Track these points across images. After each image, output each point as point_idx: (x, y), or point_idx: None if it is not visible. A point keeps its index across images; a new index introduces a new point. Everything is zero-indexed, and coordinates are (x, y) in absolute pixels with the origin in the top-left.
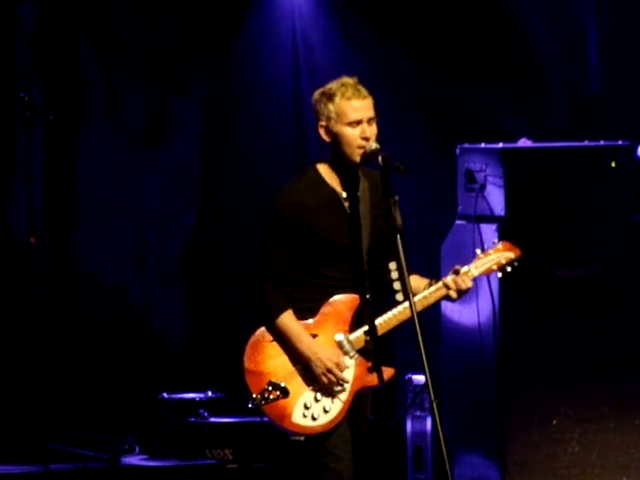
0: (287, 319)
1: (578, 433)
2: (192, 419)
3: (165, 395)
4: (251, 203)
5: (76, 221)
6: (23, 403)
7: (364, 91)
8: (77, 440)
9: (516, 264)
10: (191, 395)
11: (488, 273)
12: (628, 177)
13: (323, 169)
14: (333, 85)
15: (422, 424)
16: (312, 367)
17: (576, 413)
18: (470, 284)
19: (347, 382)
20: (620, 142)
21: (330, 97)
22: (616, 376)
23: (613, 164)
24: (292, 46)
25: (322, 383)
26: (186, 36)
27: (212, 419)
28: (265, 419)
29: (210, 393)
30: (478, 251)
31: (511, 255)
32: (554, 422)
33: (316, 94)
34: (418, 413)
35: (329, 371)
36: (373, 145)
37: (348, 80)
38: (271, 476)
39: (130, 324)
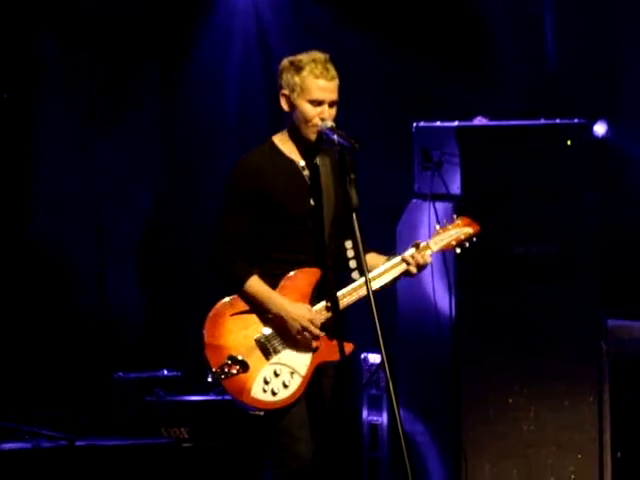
0: (255, 283)
1: (533, 411)
2: (148, 398)
3: (121, 374)
4: (208, 186)
5: (31, 202)
6: None
7: (333, 71)
8: (32, 419)
9: (474, 240)
10: (147, 374)
11: (447, 249)
12: (584, 155)
13: (279, 140)
14: (304, 57)
15: (378, 403)
16: (287, 327)
17: (531, 391)
18: (429, 259)
19: (322, 336)
20: (576, 120)
21: (298, 69)
22: (571, 354)
23: (569, 142)
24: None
25: (299, 341)
26: (148, 12)
27: (168, 398)
28: (221, 398)
29: (166, 372)
30: (437, 226)
31: (470, 230)
32: (509, 400)
33: (285, 62)
34: (374, 392)
35: (304, 329)
36: (328, 123)
37: (319, 56)
38: (226, 455)
39: (86, 304)
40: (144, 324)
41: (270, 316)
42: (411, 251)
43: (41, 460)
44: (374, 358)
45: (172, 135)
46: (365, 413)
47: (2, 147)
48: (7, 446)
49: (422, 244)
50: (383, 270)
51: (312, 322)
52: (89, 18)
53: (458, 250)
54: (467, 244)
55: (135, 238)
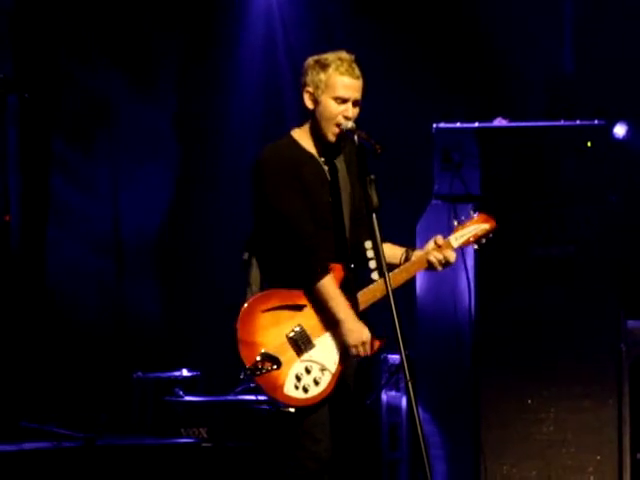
0: (329, 282)
1: (553, 412)
2: (167, 398)
3: (140, 374)
4: (225, 186)
5: (52, 202)
6: None
7: (357, 71)
8: (52, 419)
9: (491, 236)
10: (166, 374)
11: (466, 245)
12: (604, 157)
13: (298, 135)
14: (330, 56)
15: (397, 403)
16: (346, 337)
17: (551, 392)
18: (453, 255)
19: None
20: (596, 122)
21: (324, 67)
22: (590, 355)
23: (589, 144)
24: (268, 28)
25: (329, 338)
26: (160, 19)
27: (187, 398)
28: (240, 398)
29: (185, 372)
30: (455, 223)
31: (486, 226)
32: (529, 401)
33: (310, 60)
34: (393, 393)
35: (355, 347)
36: (349, 124)
37: (345, 55)
38: (246, 455)
39: (105, 303)
40: (163, 324)
41: (304, 311)
42: (432, 248)
43: (61, 460)
44: (393, 359)
45: (189, 135)
46: (384, 414)
47: (24, 146)
48: (28, 446)
49: (443, 241)
50: (404, 269)
51: (364, 343)
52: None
53: (476, 246)
54: (484, 240)
55: (153, 238)
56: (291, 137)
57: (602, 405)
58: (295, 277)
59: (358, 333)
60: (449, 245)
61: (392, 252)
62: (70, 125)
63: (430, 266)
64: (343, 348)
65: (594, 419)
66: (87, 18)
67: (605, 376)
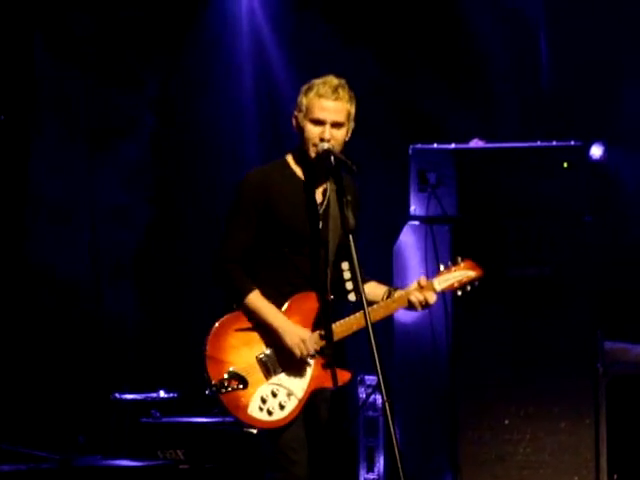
0: (255, 297)
1: (529, 433)
2: (144, 419)
3: (117, 395)
4: (204, 201)
5: (28, 217)
6: None
7: (342, 94)
8: (28, 440)
9: (476, 284)
10: (143, 395)
11: (450, 289)
12: (580, 177)
13: (292, 159)
14: (317, 80)
15: (374, 424)
16: (284, 340)
17: (527, 413)
18: (434, 298)
19: (320, 362)
20: (572, 142)
21: (307, 91)
22: (567, 376)
23: (565, 164)
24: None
25: (298, 364)
26: (139, 32)
27: (164, 419)
28: (217, 420)
29: (162, 393)
30: (441, 267)
31: (472, 274)
32: (506, 422)
33: (304, 86)
34: (370, 413)
35: (297, 345)
36: (325, 145)
37: (332, 79)
38: (223, 477)
39: (82, 324)
40: (141, 345)
41: (272, 335)
42: (415, 288)
43: None
44: (370, 380)
45: (168, 149)
46: (361, 435)
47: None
48: (4, 467)
49: (426, 283)
50: (384, 304)
51: (303, 340)
52: (84, 36)
53: (459, 292)
54: (468, 287)
55: (132, 257)
56: (285, 161)
57: (579, 425)
58: (226, 297)
59: (294, 333)
60: (431, 287)
61: (375, 291)
62: (48, 141)
63: (410, 305)
64: (313, 374)
65: (571, 440)
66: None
67: (582, 397)
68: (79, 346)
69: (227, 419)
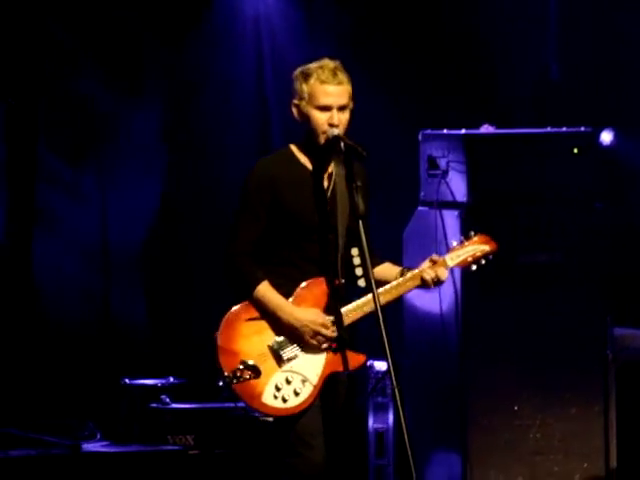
0: (264, 289)
1: (539, 419)
2: (154, 405)
3: (127, 381)
4: (212, 195)
5: (38, 210)
6: None
7: (342, 76)
8: (38, 426)
9: (490, 257)
10: (153, 381)
11: (463, 265)
12: (590, 163)
13: (296, 148)
14: (312, 65)
15: (384, 410)
16: (299, 333)
17: (537, 399)
18: (446, 275)
19: (334, 341)
20: (582, 129)
21: (306, 77)
22: (577, 362)
23: (575, 150)
24: (254, 36)
25: (313, 346)
26: (144, 29)
27: (174, 405)
28: (227, 405)
29: (172, 379)
30: (454, 242)
31: (486, 248)
32: (515, 408)
33: (296, 71)
34: (380, 399)
35: (316, 333)
36: (335, 131)
37: (328, 63)
38: (233, 462)
39: (92, 310)
40: (150, 331)
41: (282, 323)
42: (427, 266)
43: (47, 467)
44: (380, 365)
45: (178, 143)
46: (371, 420)
47: (8, 156)
48: (14, 453)
49: (438, 259)
50: (396, 284)
51: (323, 325)
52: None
53: (474, 267)
54: (483, 261)
55: (140, 244)
56: (289, 150)
57: (589, 412)
58: (235, 292)
59: (309, 324)
60: (444, 263)
61: (389, 272)
62: (57, 134)
63: (423, 283)
64: (327, 359)
65: (581, 426)
66: (74, 25)
67: (592, 383)
68: (89, 333)
69: (237, 405)
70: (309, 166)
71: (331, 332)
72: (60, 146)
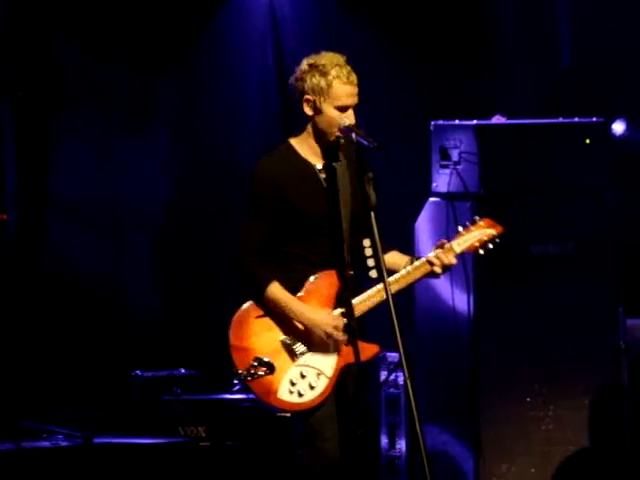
0: (275, 290)
1: (552, 410)
2: (165, 396)
3: (138, 372)
4: (223, 188)
5: (49, 200)
6: None
7: (354, 75)
8: (50, 418)
9: (497, 241)
10: (164, 372)
11: (470, 250)
12: (602, 154)
13: (296, 142)
14: (325, 61)
15: (396, 401)
16: (311, 332)
17: (549, 390)
18: (454, 260)
19: (346, 341)
20: (594, 119)
21: (323, 74)
22: (590, 353)
23: (587, 141)
24: (265, 29)
25: (325, 343)
26: (159, 23)
27: (185, 396)
28: (238, 396)
29: (183, 371)
30: (460, 228)
31: (492, 232)
32: (528, 399)
33: (305, 65)
34: (392, 391)
35: (328, 335)
36: (347, 121)
37: (340, 59)
38: (244, 454)
39: (103, 301)
40: (161, 323)
41: (294, 323)
42: (436, 252)
43: (59, 458)
44: (392, 356)
45: (190, 138)
46: (383, 411)
47: (19, 147)
48: (26, 445)
49: (446, 245)
50: (405, 273)
51: (335, 327)
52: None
53: (481, 252)
54: (490, 245)
55: (152, 237)
56: (289, 145)
57: (601, 403)
58: (245, 293)
59: (320, 325)
60: (451, 250)
61: (397, 260)
62: (67, 115)
63: (432, 272)
64: (341, 352)
65: (593, 417)
66: (84, 18)
67: (604, 374)
68: (100, 324)
69: (249, 396)
70: (311, 160)
71: (342, 335)
72: (72, 133)
